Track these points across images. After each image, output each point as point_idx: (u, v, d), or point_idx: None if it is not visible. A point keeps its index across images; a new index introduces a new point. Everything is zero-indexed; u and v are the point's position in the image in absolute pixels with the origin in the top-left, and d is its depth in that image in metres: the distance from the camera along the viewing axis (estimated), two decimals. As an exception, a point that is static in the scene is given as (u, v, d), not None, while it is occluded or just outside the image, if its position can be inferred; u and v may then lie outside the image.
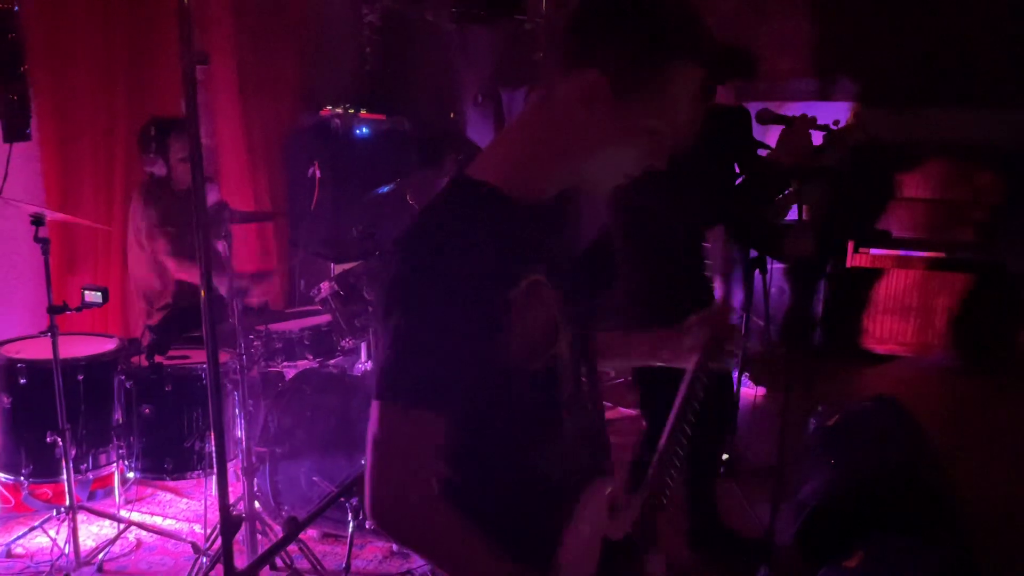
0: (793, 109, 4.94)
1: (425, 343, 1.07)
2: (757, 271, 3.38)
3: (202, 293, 1.77)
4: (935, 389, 4.54)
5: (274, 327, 3.25)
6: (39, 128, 3.39)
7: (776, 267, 4.56)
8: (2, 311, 3.36)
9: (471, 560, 1.11)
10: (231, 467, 2.99)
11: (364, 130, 4.40)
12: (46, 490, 3.20)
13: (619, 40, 1.07)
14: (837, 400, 3.50)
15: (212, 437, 2.03)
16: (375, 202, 3.96)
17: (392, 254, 1.10)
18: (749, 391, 4.10)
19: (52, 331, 2.72)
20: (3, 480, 3.01)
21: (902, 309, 4.86)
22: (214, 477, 3.15)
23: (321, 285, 3.18)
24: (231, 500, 2.98)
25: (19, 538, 2.97)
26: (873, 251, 4.66)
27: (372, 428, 1.09)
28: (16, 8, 3.21)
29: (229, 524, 1.90)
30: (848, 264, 4.73)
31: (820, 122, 3.11)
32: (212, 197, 3.99)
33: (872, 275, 4.85)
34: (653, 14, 1.08)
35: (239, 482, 2.87)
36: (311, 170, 4.29)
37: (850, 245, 4.70)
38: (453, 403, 1.08)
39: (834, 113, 4.78)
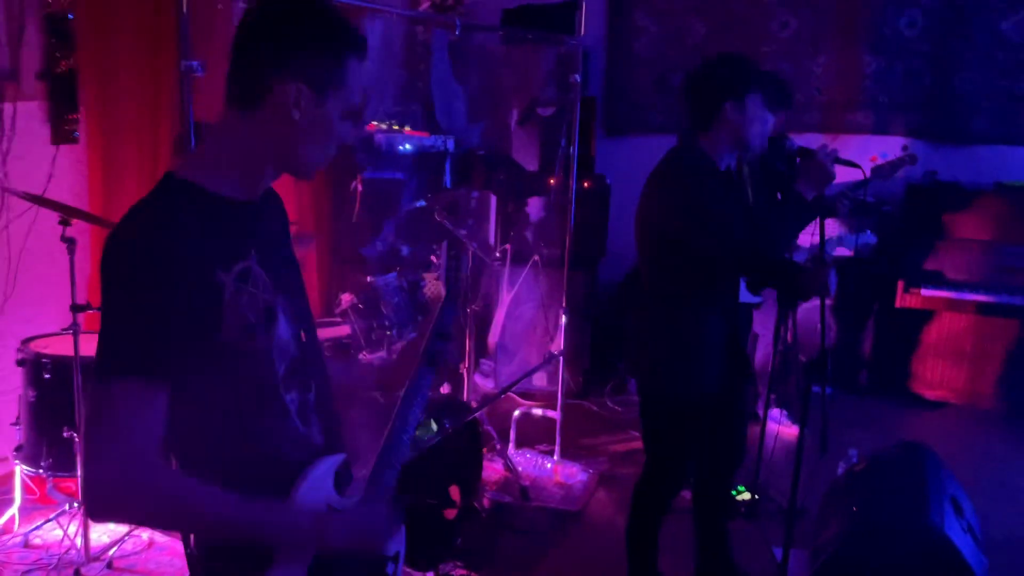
0: (850, 142, 4.84)
1: (131, 316, 1.14)
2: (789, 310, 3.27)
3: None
4: (982, 439, 4.31)
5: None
6: (86, 131, 3.51)
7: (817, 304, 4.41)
8: (39, 308, 3.46)
9: (209, 514, 1.20)
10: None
11: (407, 146, 4.43)
12: (70, 484, 3.28)
13: (306, 50, 1.23)
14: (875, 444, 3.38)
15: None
16: (408, 217, 3.98)
17: (111, 237, 1.18)
18: (787, 429, 3.97)
19: (74, 328, 2.79)
20: (28, 472, 3.09)
21: (954, 354, 4.64)
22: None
23: (342, 297, 3.20)
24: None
25: (35, 529, 3.04)
26: (924, 292, 4.46)
27: (87, 407, 1.18)
28: (71, 16, 3.33)
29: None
30: (897, 304, 4.53)
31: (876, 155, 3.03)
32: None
33: (923, 317, 4.65)
34: (328, 25, 1.25)
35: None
36: (353, 184, 4.35)
37: (900, 285, 4.51)
38: (161, 372, 1.15)
39: (890, 148, 4.66)
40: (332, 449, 1.39)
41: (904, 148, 3.30)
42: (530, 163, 4.81)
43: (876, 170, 3.09)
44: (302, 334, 1.37)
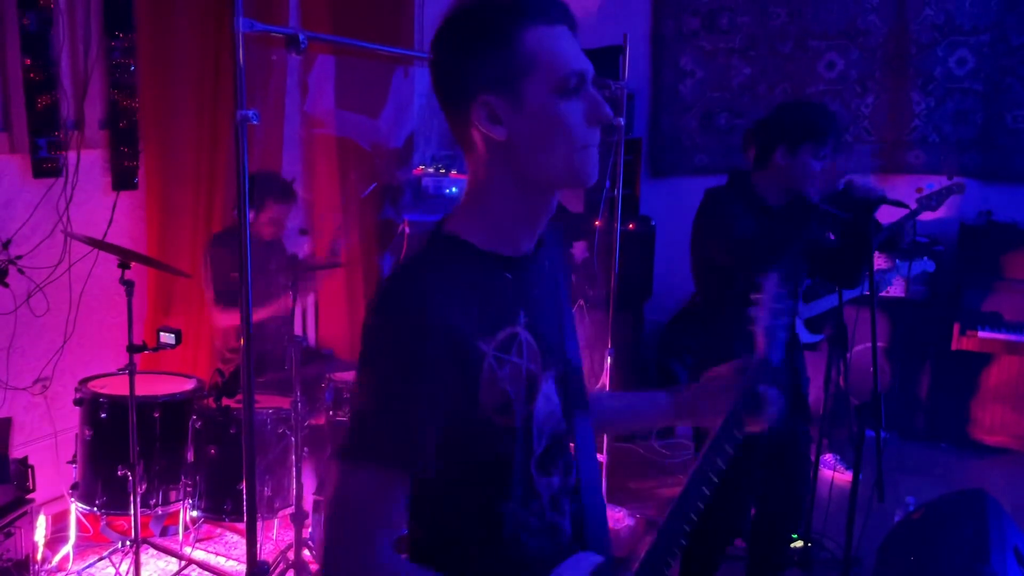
0: (901, 182, 4.78)
1: (391, 399, 1.05)
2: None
3: (240, 340, 1.82)
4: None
5: (341, 376, 3.31)
6: (144, 178, 3.63)
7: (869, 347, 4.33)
8: (98, 348, 3.56)
9: None
10: (286, 512, 3.04)
11: (454, 189, 4.50)
12: (122, 522, 3.33)
13: (470, 54, 1.08)
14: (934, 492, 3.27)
15: (244, 483, 2.05)
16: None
17: (368, 306, 1.08)
18: (831, 474, 3.87)
19: (130, 369, 2.86)
20: (83, 510, 3.15)
21: (1014, 398, 4.49)
22: (275, 521, 3.21)
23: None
24: (283, 547, 3.03)
25: (88, 567, 3.09)
26: (981, 334, 4.35)
27: (331, 487, 1.06)
28: (132, 67, 3.47)
29: (255, 572, 1.92)
30: (953, 347, 4.42)
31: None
32: (304, 250, 4.17)
33: (980, 360, 4.52)
34: (476, 15, 1.09)
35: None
36: (401, 227, 4.42)
37: (956, 327, 4.41)
38: (419, 461, 1.06)
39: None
40: (587, 544, 1.20)
41: (950, 177, 3.24)
42: (575, 205, 4.84)
43: (923, 200, 3.04)
44: (572, 409, 1.22)
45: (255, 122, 1.78)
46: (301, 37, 1.84)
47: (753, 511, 2.78)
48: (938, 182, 3.57)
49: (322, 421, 3.32)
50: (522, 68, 1.06)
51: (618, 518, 3.76)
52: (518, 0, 1.06)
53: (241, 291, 1.86)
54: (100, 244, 2.93)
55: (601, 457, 3.90)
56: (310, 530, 3.03)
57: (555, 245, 1.28)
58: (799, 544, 3.35)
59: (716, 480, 1.26)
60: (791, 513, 2.74)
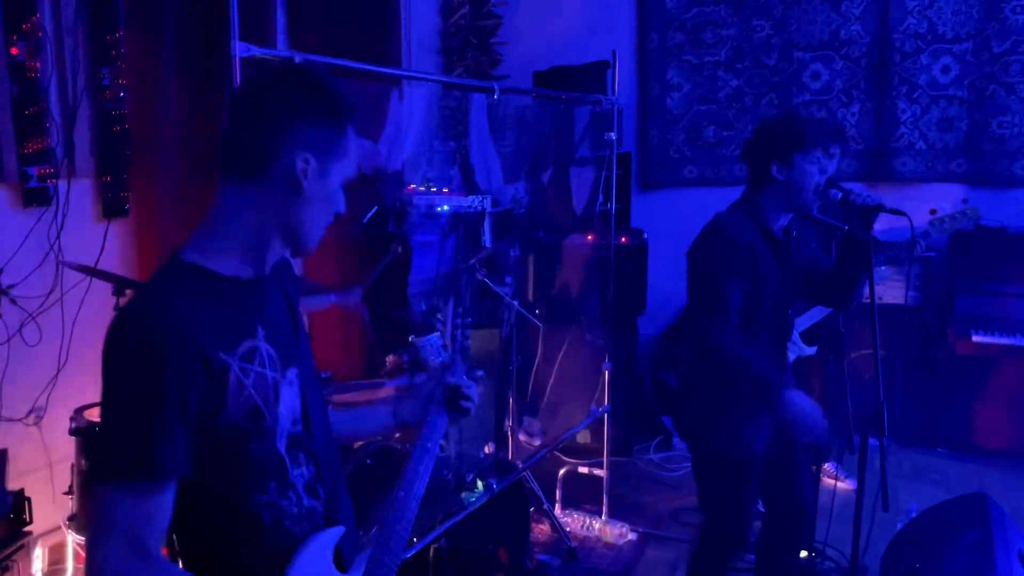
0: (888, 190, 4.81)
1: (127, 414, 1.12)
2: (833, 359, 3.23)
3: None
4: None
5: (341, 398, 3.29)
6: (135, 204, 3.61)
7: (866, 353, 4.34)
8: (92, 376, 3.51)
9: None
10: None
11: (445, 207, 4.49)
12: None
13: (312, 119, 1.25)
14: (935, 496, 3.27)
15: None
16: (448, 277, 4.02)
17: (109, 327, 1.17)
18: (832, 483, 3.86)
19: (126, 397, 2.83)
20: (79, 541, 3.10)
21: (1009, 402, 4.51)
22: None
23: (387, 358, 3.22)
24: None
25: (87, 599, 3.05)
26: (975, 338, 4.37)
27: (90, 508, 1.12)
28: (121, 94, 3.46)
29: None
30: (948, 352, 4.44)
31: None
32: (297, 270, 4.15)
33: (976, 364, 4.54)
34: (328, 97, 1.26)
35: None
36: (394, 246, 4.41)
37: (949, 333, 4.43)
38: (172, 467, 1.13)
39: (929, 194, 4.63)
40: (333, 521, 1.37)
41: (964, 201, 3.26)
42: (566, 220, 4.85)
43: (935, 223, 3.06)
44: (309, 408, 1.36)
45: (252, 146, 1.76)
46: (297, 60, 1.84)
47: (760, 524, 2.78)
48: (925, 190, 3.64)
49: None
50: (339, 152, 1.28)
51: (620, 533, 3.74)
52: (354, 106, 1.29)
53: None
54: (95, 272, 2.91)
55: (601, 472, 3.89)
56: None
57: (285, 267, 1.42)
58: (803, 554, 3.34)
59: (426, 478, 1.46)
60: (797, 524, 2.73)
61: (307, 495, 1.31)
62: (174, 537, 1.26)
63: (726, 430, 2.46)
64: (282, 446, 1.28)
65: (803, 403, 2.29)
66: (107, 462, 1.13)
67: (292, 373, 1.32)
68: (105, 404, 1.16)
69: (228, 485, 1.23)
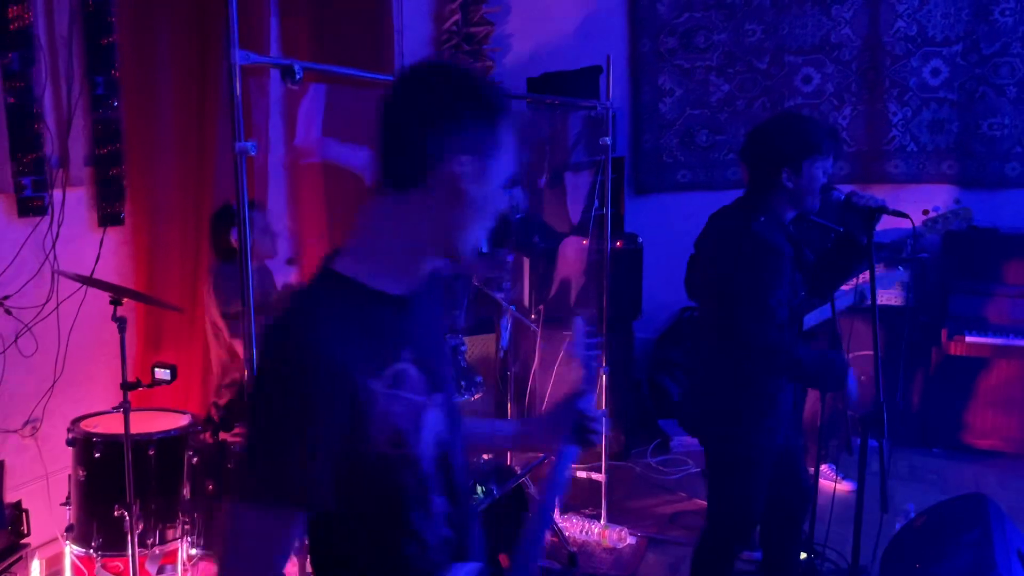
0: (880, 191, 4.84)
1: (284, 437, 1.07)
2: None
3: (245, 372, 1.80)
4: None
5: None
6: (131, 213, 3.60)
7: (862, 354, 4.36)
8: (88, 386, 3.52)
9: None
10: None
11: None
12: (117, 563, 3.27)
13: (469, 119, 1.16)
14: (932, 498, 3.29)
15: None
16: (445, 282, 4.00)
17: (261, 343, 1.15)
18: (831, 484, 3.87)
19: (124, 407, 2.82)
20: (77, 552, 3.09)
21: (1004, 402, 4.54)
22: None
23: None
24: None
25: (85, 610, 3.03)
26: (968, 339, 4.40)
27: (225, 525, 1.10)
28: (116, 103, 3.45)
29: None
30: (942, 353, 4.47)
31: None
32: (292, 279, 4.14)
33: (969, 365, 4.56)
34: (481, 91, 1.18)
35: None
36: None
37: (943, 333, 4.45)
38: (313, 499, 1.09)
39: (921, 195, 4.66)
40: (465, 549, 1.30)
41: (957, 201, 3.29)
42: (562, 225, 4.85)
43: (928, 223, 3.08)
44: (452, 432, 1.30)
45: (253, 153, 1.77)
46: (296, 68, 1.84)
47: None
48: (917, 191, 3.66)
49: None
50: (497, 150, 1.19)
51: (619, 537, 3.74)
52: (504, 98, 1.20)
53: (243, 320, 1.84)
54: (92, 281, 2.90)
55: (600, 477, 3.89)
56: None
57: (438, 280, 1.36)
58: (802, 555, 3.34)
59: (559, 503, 1.43)
60: (796, 520, 2.76)
61: (445, 524, 1.26)
62: (314, 565, 1.24)
63: (749, 431, 2.49)
64: (425, 474, 1.22)
65: (853, 380, 2.45)
66: (248, 483, 1.09)
67: (438, 396, 1.25)
68: (252, 422, 1.11)
69: (371, 515, 1.19)
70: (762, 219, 2.44)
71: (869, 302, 2.69)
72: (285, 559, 1.11)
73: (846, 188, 2.66)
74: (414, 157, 1.16)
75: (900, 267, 4.50)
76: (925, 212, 3.14)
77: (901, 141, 4.98)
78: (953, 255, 4.61)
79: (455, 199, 1.16)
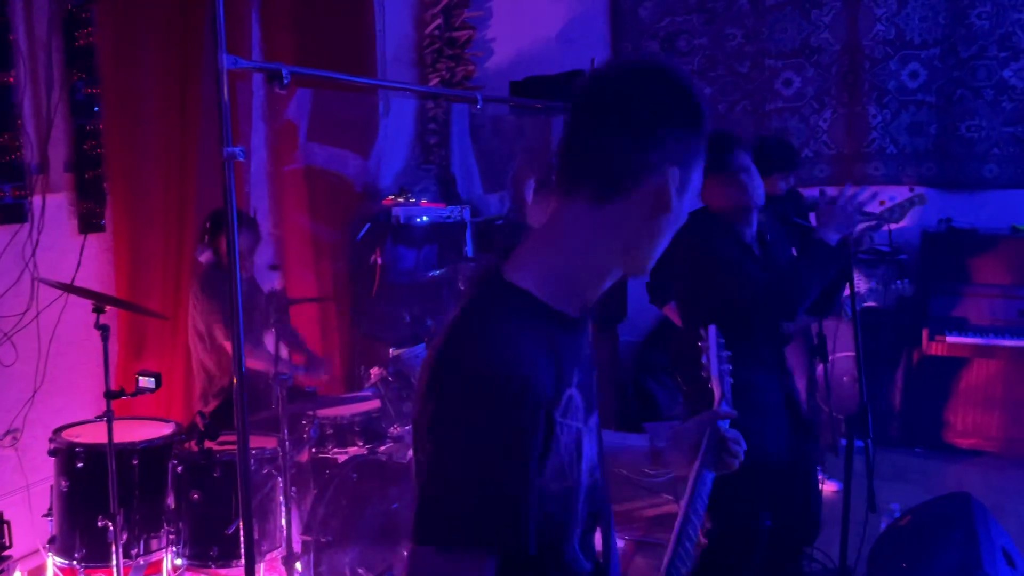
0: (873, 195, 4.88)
1: (489, 473, 0.96)
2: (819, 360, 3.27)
3: (234, 379, 1.79)
4: (1022, 487, 4.23)
5: (325, 413, 3.27)
6: (112, 220, 3.56)
7: (844, 355, 4.40)
8: (70, 396, 3.47)
9: None
10: (276, 555, 2.97)
11: (424, 218, 4.49)
12: (101, 575, 3.23)
13: (679, 128, 1.06)
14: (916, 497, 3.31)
15: (242, 525, 2.00)
16: (429, 287, 4.01)
17: (430, 367, 1.01)
18: (826, 486, 3.90)
19: (108, 416, 2.79)
20: (59, 564, 3.05)
21: (985, 401, 4.59)
22: (261, 565, 3.14)
23: (371, 371, 3.20)
24: (274, 590, 2.96)
25: (68, 622, 2.99)
26: (949, 339, 4.44)
27: (417, 571, 0.97)
28: (96, 109, 3.42)
29: (256, 616, 1.87)
30: (923, 353, 4.51)
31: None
32: (276, 284, 4.11)
33: (950, 364, 4.61)
34: (687, 101, 1.07)
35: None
36: (372, 257, 4.40)
37: (924, 333, 4.50)
38: (501, 538, 0.97)
39: (901, 196, 4.69)
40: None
41: (911, 189, 3.34)
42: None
43: (885, 213, 3.13)
44: (602, 453, 1.20)
45: (241, 159, 1.75)
46: (284, 72, 1.83)
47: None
48: (899, 193, 3.71)
49: (304, 458, 3.27)
50: (698, 161, 1.09)
51: (607, 541, 3.74)
52: (703, 108, 1.09)
53: (233, 328, 1.82)
54: (74, 289, 2.86)
55: (587, 480, 3.88)
56: (299, 572, 2.97)
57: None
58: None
59: (699, 525, 1.35)
60: (806, 536, 2.74)
61: (588, 555, 1.15)
62: None
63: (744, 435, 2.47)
64: (581, 505, 1.11)
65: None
66: (442, 525, 0.96)
67: (593, 420, 1.15)
68: (444, 456, 0.97)
69: (535, 560, 1.04)
70: (708, 226, 2.52)
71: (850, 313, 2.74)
72: None
73: (831, 191, 2.70)
74: (623, 167, 1.05)
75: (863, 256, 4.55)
76: (882, 203, 3.19)
77: (881, 143, 5.03)
78: (932, 256, 4.66)
79: (659, 212, 1.06)
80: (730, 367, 1.54)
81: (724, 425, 1.44)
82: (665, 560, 1.28)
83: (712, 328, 1.53)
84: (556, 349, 1.04)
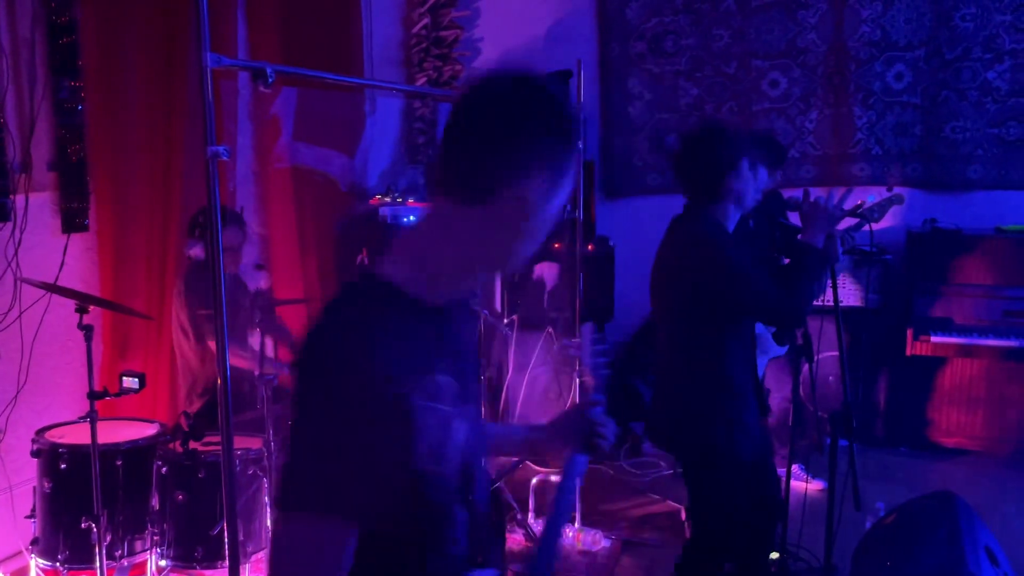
0: (857, 193, 4.90)
1: (329, 446, 1.04)
2: (804, 359, 3.28)
3: (218, 380, 1.78)
4: (1005, 486, 4.26)
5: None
6: (96, 219, 3.54)
7: (830, 355, 4.41)
8: (53, 396, 3.45)
9: None
10: (261, 556, 2.96)
11: (412, 218, 4.48)
12: (84, 577, 3.21)
13: (550, 137, 1.10)
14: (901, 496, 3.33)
15: (226, 526, 1.99)
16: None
17: (298, 354, 1.09)
18: (803, 485, 3.91)
19: (92, 417, 2.77)
20: (42, 566, 3.02)
21: (969, 400, 4.62)
22: (246, 566, 3.12)
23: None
24: (259, 591, 2.95)
25: (52, 625, 2.96)
26: (934, 339, 4.47)
27: (274, 539, 1.06)
28: (80, 107, 3.39)
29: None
30: (908, 353, 4.53)
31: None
32: (262, 284, 4.09)
33: (935, 364, 4.64)
34: (559, 112, 1.12)
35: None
36: (359, 258, 4.38)
37: (909, 333, 4.52)
38: (365, 510, 1.06)
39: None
40: (486, 561, 1.28)
41: (889, 189, 3.36)
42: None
43: (864, 212, 3.15)
44: (477, 440, 1.28)
45: (225, 158, 1.74)
46: (268, 70, 1.82)
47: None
48: (879, 193, 3.73)
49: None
50: (569, 170, 1.13)
51: (594, 540, 3.75)
52: (577, 123, 1.14)
53: (216, 327, 1.81)
54: (57, 288, 2.84)
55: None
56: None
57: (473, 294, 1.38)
58: (774, 555, 3.37)
59: (573, 503, 1.44)
60: (773, 520, 2.77)
61: (467, 539, 1.23)
62: None
63: (723, 434, 2.49)
64: (456, 488, 1.20)
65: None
66: (299, 492, 1.05)
67: (472, 409, 1.24)
68: (301, 431, 1.06)
69: (400, 533, 1.16)
70: (703, 221, 2.53)
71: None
72: (341, 573, 1.06)
73: (815, 191, 2.70)
74: (487, 174, 1.10)
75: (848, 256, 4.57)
76: (860, 204, 3.21)
77: (866, 144, 5.05)
78: (917, 257, 4.68)
79: (520, 219, 1.12)
80: (604, 360, 1.62)
81: (595, 411, 1.52)
82: (540, 532, 1.38)
83: (587, 325, 1.63)
84: (418, 336, 1.12)
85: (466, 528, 1.23)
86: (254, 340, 3.28)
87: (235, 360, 3.32)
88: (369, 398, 1.04)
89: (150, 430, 3.14)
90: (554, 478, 4.12)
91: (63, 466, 2.91)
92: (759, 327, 3.36)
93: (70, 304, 2.82)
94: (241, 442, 3.09)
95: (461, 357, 1.23)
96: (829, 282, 2.74)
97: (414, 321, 1.13)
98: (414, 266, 1.15)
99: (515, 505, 3.74)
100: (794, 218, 2.90)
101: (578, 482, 1.48)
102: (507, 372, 4.66)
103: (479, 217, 1.11)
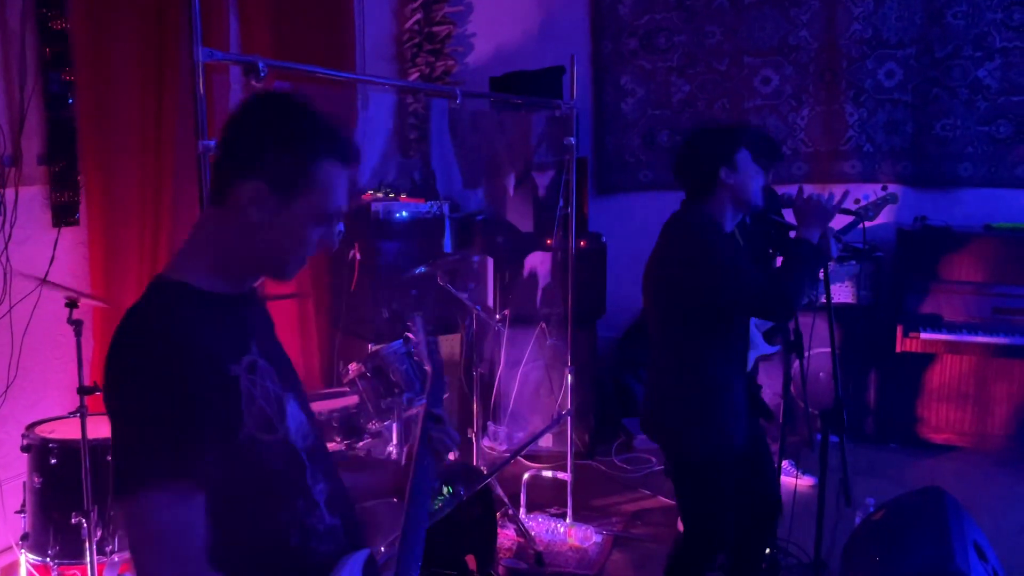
0: (838, 191, 4.92)
1: (155, 419, 1.11)
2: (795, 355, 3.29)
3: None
4: (994, 482, 4.29)
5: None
6: (87, 213, 3.52)
7: (821, 351, 4.44)
8: (43, 391, 3.43)
9: None
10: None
11: (403, 213, 4.47)
12: (75, 572, 3.19)
13: (269, 150, 1.23)
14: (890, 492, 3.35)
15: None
16: (409, 283, 4.00)
17: (106, 358, 1.17)
18: (793, 481, 3.93)
19: (82, 412, 2.76)
20: (32, 561, 3.01)
21: (958, 397, 4.65)
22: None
23: (349, 366, 3.19)
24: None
25: (42, 620, 2.96)
26: (923, 336, 4.49)
27: (127, 528, 1.10)
28: (71, 100, 3.38)
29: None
30: (898, 350, 4.56)
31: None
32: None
33: (924, 361, 4.67)
34: (295, 127, 1.24)
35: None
36: (351, 253, 4.37)
37: (899, 330, 4.54)
38: (196, 473, 1.11)
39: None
40: (356, 542, 1.35)
41: (884, 187, 3.37)
42: (525, 225, 4.86)
43: (860, 211, 3.16)
44: (312, 423, 1.36)
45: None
46: (261, 65, 1.82)
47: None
48: (873, 191, 3.75)
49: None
50: (304, 185, 1.24)
51: (585, 535, 3.76)
52: (339, 141, 1.27)
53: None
54: (47, 283, 2.82)
55: (565, 476, 3.90)
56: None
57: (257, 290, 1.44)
58: (767, 551, 3.38)
59: (432, 492, 1.48)
60: (769, 518, 2.78)
61: (329, 513, 1.30)
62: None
63: (708, 433, 2.49)
64: (300, 462, 1.28)
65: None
66: (139, 470, 1.10)
67: (296, 393, 1.33)
68: (127, 419, 1.13)
69: (255, 505, 1.22)
70: (696, 218, 2.53)
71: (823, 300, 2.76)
72: (200, 543, 1.11)
73: (809, 188, 2.72)
74: (219, 177, 1.26)
75: (852, 261, 4.60)
76: (856, 201, 3.23)
77: (857, 141, 5.07)
78: (908, 253, 4.70)
79: (245, 223, 1.23)
80: (437, 348, 1.69)
81: (437, 410, 1.56)
82: (401, 530, 1.39)
83: (418, 318, 1.71)
84: (219, 320, 1.23)
85: (327, 501, 1.30)
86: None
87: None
88: (188, 371, 1.13)
89: (141, 425, 3.13)
90: (546, 474, 4.13)
91: (53, 461, 2.90)
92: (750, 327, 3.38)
93: (61, 299, 2.81)
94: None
95: (268, 342, 1.33)
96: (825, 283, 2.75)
97: (208, 309, 1.23)
98: (193, 262, 1.27)
99: (507, 501, 3.74)
100: (789, 216, 2.91)
101: (428, 485, 1.49)
102: (499, 368, 4.67)
103: (221, 217, 1.26)
